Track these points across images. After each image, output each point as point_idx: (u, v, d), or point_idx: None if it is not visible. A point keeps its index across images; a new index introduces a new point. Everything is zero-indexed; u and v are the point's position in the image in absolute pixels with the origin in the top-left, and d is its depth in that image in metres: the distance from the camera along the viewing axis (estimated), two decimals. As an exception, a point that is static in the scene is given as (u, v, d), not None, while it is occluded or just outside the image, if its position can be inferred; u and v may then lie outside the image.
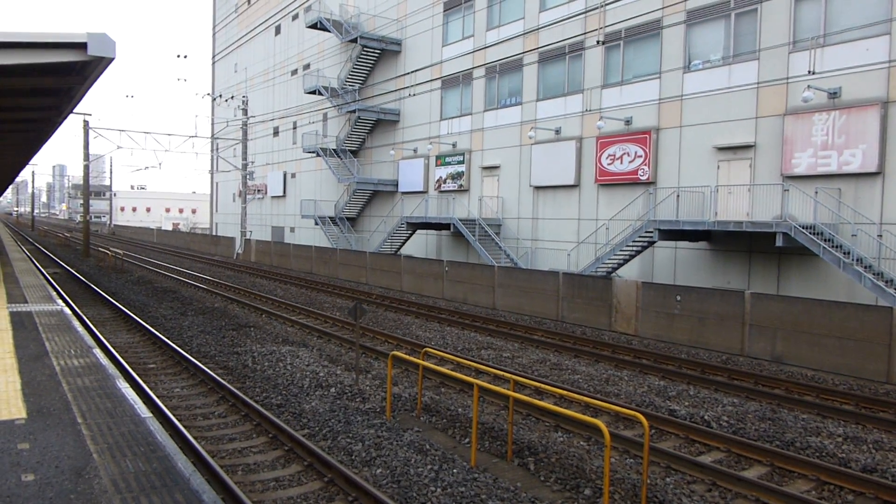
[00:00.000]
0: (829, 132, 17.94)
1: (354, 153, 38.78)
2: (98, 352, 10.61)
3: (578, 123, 25.56)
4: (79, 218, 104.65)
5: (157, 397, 10.53)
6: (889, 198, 17.10)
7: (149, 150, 71.44)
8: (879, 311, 13.73)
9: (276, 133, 50.35)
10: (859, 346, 13.78)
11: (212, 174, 63.13)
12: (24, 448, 6.36)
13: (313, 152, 39.29)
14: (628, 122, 23.56)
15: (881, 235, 16.97)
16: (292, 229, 47.91)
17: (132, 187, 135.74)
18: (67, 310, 14.86)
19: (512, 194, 28.80)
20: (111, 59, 10.00)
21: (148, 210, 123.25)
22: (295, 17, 46.93)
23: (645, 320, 18.07)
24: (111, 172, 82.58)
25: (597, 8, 24.31)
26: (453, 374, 9.54)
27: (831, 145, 17.92)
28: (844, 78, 17.81)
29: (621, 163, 23.70)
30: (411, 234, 32.02)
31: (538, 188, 27.37)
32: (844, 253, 16.15)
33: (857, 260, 15.97)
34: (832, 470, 8.20)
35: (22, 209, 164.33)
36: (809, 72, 18.28)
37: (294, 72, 47.10)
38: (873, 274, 15.69)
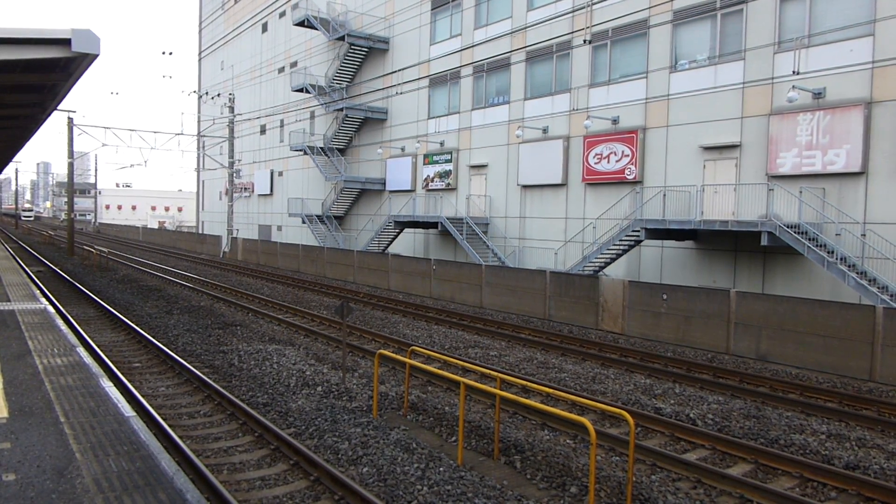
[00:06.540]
0: (814, 132, 18.10)
1: (342, 151, 38.66)
2: (81, 350, 10.52)
3: (566, 122, 25.63)
4: (63, 216, 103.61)
5: (142, 396, 10.43)
6: (872, 197, 17.28)
7: (134, 148, 70.91)
8: (863, 309, 13.87)
9: (262, 131, 50.09)
10: (843, 344, 13.92)
11: (198, 172, 62.73)
12: (6, 447, 6.29)
13: (301, 150, 39.15)
14: (615, 121, 23.65)
15: (865, 235, 17.14)
16: (279, 228, 47.69)
17: (117, 185, 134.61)
18: (51, 308, 14.71)
19: (500, 193, 28.83)
20: (95, 56, 9.93)
21: (133, 208, 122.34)
22: (282, 15, 46.70)
23: (631, 319, 18.15)
24: (96, 170, 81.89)
25: (584, 7, 24.36)
26: (440, 372, 9.53)
27: (816, 145, 18.08)
28: (829, 78, 17.97)
29: (608, 162, 23.79)
30: (399, 233, 32.00)
31: (526, 187, 27.42)
32: (828, 252, 16.30)
33: (841, 259, 16.13)
34: (815, 467, 8.27)
35: (35, 210, 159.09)
36: (794, 72, 18.42)
37: (281, 69, 46.86)
38: (857, 273, 15.85)
